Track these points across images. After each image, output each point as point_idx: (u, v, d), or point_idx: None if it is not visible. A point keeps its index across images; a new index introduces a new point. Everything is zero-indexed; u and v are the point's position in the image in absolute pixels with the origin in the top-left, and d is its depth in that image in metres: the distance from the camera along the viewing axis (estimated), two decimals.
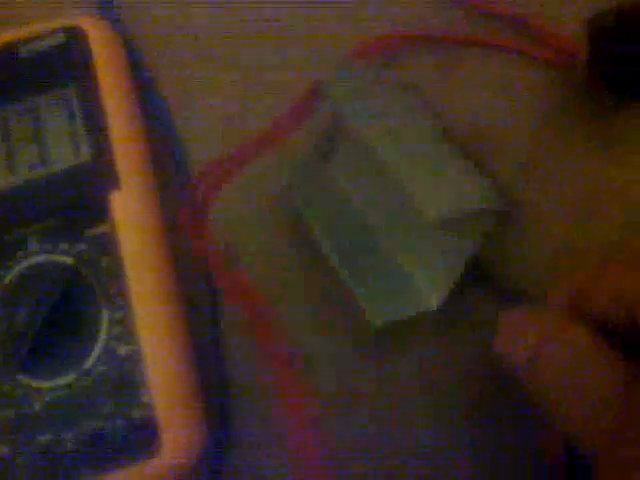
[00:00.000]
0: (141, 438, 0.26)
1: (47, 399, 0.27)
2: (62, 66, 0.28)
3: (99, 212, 0.27)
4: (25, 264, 0.27)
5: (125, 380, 0.26)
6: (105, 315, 0.27)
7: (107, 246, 0.27)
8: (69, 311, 0.27)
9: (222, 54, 0.32)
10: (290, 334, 0.29)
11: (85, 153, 0.28)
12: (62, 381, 0.27)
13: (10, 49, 0.29)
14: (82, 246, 0.27)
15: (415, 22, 0.32)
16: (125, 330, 0.26)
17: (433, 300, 0.27)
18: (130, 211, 0.27)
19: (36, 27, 0.29)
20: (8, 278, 0.27)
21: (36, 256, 0.27)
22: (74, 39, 0.28)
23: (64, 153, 0.28)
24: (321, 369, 0.28)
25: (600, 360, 0.21)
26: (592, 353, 0.21)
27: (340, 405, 0.28)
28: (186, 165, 0.31)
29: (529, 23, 0.31)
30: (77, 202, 0.27)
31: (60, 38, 0.28)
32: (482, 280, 0.28)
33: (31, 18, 0.30)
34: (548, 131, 0.30)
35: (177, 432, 0.26)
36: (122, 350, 0.26)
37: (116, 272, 0.27)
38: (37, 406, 0.27)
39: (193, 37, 0.32)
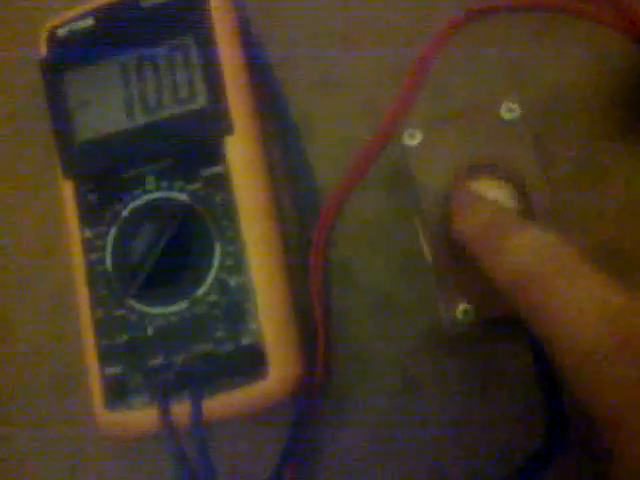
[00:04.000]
0: (250, 362, 0.27)
1: (160, 325, 0.29)
2: (181, 17, 0.30)
3: (214, 154, 0.29)
4: (143, 199, 0.29)
5: (235, 308, 0.28)
6: (218, 248, 0.28)
7: (220, 185, 0.29)
8: (184, 244, 0.28)
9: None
10: None
11: (202, 99, 0.29)
12: (175, 308, 0.28)
13: (133, 1, 0.31)
14: (197, 184, 0.29)
15: None
16: (236, 262, 0.28)
17: None
18: (242, 154, 0.29)
19: None
20: (127, 212, 0.29)
21: (153, 192, 0.29)
22: None
23: (182, 98, 0.30)
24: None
25: None
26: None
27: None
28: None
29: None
30: (193, 144, 0.29)
31: None
32: None
33: None
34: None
35: (283, 357, 0.28)
36: (233, 281, 0.28)
37: (228, 208, 0.29)
38: (150, 331, 0.29)
39: None
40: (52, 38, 0.32)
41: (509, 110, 0.29)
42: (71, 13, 0.32)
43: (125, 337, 0.29)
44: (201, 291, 0.28)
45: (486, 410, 0.30)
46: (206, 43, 0.30)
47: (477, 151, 0.29)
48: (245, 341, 0.28)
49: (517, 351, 0.29)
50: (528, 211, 0.28)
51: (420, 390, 0.31)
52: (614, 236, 0.30)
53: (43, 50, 0.32)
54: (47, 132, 0.32)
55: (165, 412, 0.26)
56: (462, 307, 0.28)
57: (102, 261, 0.30)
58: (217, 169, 0.29)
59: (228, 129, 0.29)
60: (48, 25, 0.33)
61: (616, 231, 0.30)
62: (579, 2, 0.32)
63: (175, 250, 0.28)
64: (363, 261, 0.32)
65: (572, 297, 0.19)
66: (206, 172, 0.29)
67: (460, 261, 0.28)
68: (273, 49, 0.34)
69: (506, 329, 0.29)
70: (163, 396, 0.27)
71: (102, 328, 0.29)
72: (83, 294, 0.30)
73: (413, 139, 0.29)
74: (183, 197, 0.29)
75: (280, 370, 0.27)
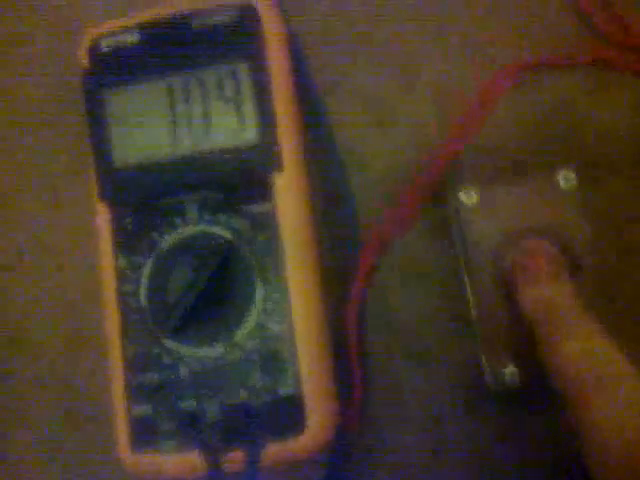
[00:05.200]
0: (287, 415, 0.26)
1: (193, 367, 0.27)
2: (233, 42, 0.28)
3: (260, 191, 0.28)
4: (183, 231, 0.28)
5: (274, 356, 0.27)
6: (260, 291, 0.27)
7: (266, 224, 0.27)
8: (224, 284, 0.27)
9: None
10: None
11: (252, 131, 0.28)
12: (211, 351, 0.27)
13: (184, 20, 0.29)
14: (241, 221, 0.27)
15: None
16: (278, 307, 0.27)
17: None
18: (291, 192, 0.28)
19: (211, 1, 0.29)
20: (165, 243, 0.28)
21: (194, 225, 0.28)
22: (247, 17, 0.28)
23: (230, 128, 0.28)
24: None
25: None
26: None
27: None
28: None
29: None
30: (240, 178, 0.28)
31: (233, 14, 0.29)
32: None
33: None
34: None
35: (321, 411, 0.26)
36: (274, 327, 0.27)
37: (274, 250, 0.27)
38: (183, 373, 0.27)
39: None
40: (95, 50, 0.30)
41: (566, 179, 0.29)
42: (116, 23, 0.30)
43: (156, 377, 0.27)
44: (239, 335, 0.27)
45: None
46: (258, 70, 0.28)
47: (531, 214, 0.29)
48: (283, 392, 0.26)
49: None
50: (576, 277, 0.27)
51: (451, 450, 0.30)
52: None
53: (84, 60, 0.30)
54: (74, 141, 0.30)
55: (214, 467, 0.25)
56: (509, 369, 0.28)
57: (136, 293, 0.28)
58: (263, 207, 0.28)
59: (277, 165, 0.28)
60: (88, 33, 0.31)
61: None
62: (635, 60, 0.31)
63: (214, 290, 0.27)
64: (405, 305, 0.31)
65: (602, 418, 0.22)
66: (251, 209, 0.28)
67: (510, 322, 0.28)
68: (324, 77, 0.32)
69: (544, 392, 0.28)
70: (211, 453, 0.26)
71: (132, 365, 0.28)
72: (114, 327, 0.28)
73: (469, 198, 0.29)
74: (226, 233, 0.28)
75: (318, 424, 0.26)
